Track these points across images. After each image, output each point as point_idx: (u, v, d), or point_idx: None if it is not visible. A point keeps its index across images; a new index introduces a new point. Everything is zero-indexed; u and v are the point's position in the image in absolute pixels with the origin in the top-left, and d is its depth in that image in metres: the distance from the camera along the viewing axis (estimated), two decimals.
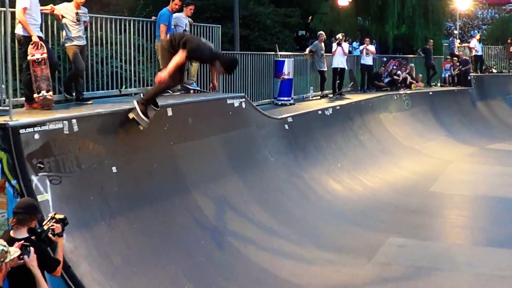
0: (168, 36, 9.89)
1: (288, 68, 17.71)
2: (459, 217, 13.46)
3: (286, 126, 14.11)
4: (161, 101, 9.48)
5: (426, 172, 17.48)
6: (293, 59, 18.50)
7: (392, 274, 9.66)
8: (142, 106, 8.74)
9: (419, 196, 14.78)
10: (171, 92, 11.73)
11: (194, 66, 13.09)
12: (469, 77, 29.79)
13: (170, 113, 9.94)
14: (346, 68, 21.05)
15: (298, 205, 11.97)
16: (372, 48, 23.83)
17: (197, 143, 10.57)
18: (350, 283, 9.10)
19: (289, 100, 17.60)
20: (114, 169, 8.13)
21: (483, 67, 33.11)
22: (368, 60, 23.42)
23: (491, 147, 23.13)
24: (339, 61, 20.48)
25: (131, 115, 8.74)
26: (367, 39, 24.24)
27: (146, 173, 8.95)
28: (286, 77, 17.59)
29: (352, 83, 22.90)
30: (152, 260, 7.83)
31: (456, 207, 14.31)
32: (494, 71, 33.90)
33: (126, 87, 12.06)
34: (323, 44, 20.07)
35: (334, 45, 20.66)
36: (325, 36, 20.68)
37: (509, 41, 33.85)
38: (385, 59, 27.10)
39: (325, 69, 20.04)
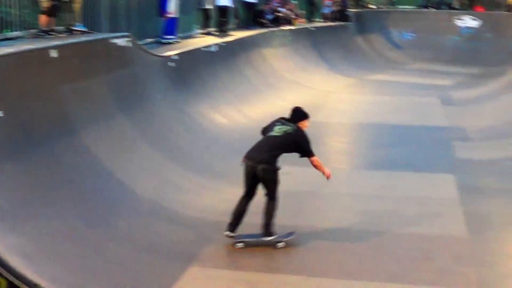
0: None
1: (172, 7, 17.46)
2: (339, 144, 14.03)
3: (173, 64, 14.01)
4: (44, 43, 9.21)
5: (308, 103, 17.76)
6: None
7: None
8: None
9: None
10: (56, 33, 11.37)
11: (77, 6, 12.64)
12: (348, 13, 30.50)
13: (54, 54, 9.63)
14: (231, 6, 21.00)
15: (184, 139, 12.03)
16: None
17: (83, 84, 10.32)
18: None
19: (175, 38, 17.42)
20: (0, 113, 7.86)
21: (362, 3, 33.96)
22: None
23: (369, 78, 24.05)
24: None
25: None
26: None
27: (33, 116, 8.70)
28: (171, 15, 17.34)
29: (236, 20, 22.91)
30: (41, 201, 7.70)
31: (337, 134, 14.90)
32: (373, 7, 34.86)
33: (10, 31, 11.54)
34: None
35: None
36: None
37: None
38: None
39: (210, 7, 19.92)
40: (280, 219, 8.95)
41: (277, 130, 7.93)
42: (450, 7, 34.63)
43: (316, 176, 11.11)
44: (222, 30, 20.27)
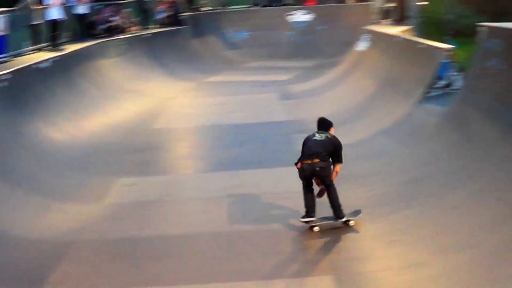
0: None
1: (0, 24, 16.74)
2: (182, 149, 14.07)
3: (5, 84, 13.31)
4: None
5: (149, 111, 17.87)
6: (6, 14, 17.39)
7: (122, 211, 9.82)
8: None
9: (144, 135, 15.12)
10: None
11: None
12: (182, 17, 30.62)
13: None
14: (61, 18, 20.38)
15: (22, 160, 11.49)
16: None
17: None
18: (84, 228, 9.09)
19: (5, 57, 16.63)
20: None
21: (195, 6, 34.23)
22: (82, 9, 22.94)
23: (209, 80, 24.33)
24: (55, 12, 19.76)
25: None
26: None
27: None
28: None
29: (68, 33, 22.29)
30: None
31: (179, 139, 14.89)
32: (206, 8, 35.27)
33: None
34: None
35: None
36: None
37: None
38: (100, 6, 26.68)
39: (40, 21, 19.25)
40: (128, 231, 8.88)
41: (319, 137, 9.13)
42: (282, 3, 35.73)
43: (163, 184, 11.17)
44: (54, 44, 19.62)
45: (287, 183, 10.73)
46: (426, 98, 13.38)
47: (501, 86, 9.92)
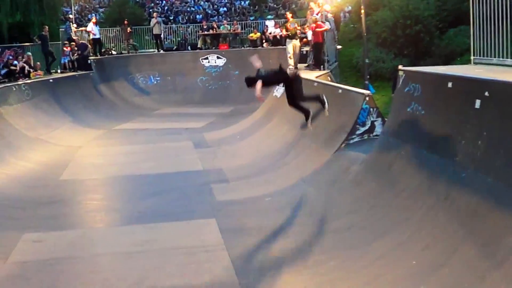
0: None
1: None
2: (92, 202, 13.74)
3: None
4: None
5: (55, 161, 17.46)
6: None
7: (29, 270, 9.48)
8: None
9: (50, 187, 14.71)
10: None
11: None
12: (89, 61, 30.39)
13: None
14: None
15: None
16: None
17: None
18: None
19: None
20: None
21: (102, 50, 34.07)
22: None
23: (118, 127, 24.10)
24: None
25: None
26: None
27: None
28: None
29: None
30: None
31: (88, 191, 14.57)
32: (114, 52, 35.12)
33: None
34: None
35: None
36: None
37: (126, 22, 35.26)
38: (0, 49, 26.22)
39: None
40: None
41: None
42: (195, 47, 36.05)
43: (72, 240, 10.88)
44: None
45: (205, 236, 10.72)
46: (347, 145, 13.67)
47: (421, 131, 10.31)
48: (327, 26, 24.27)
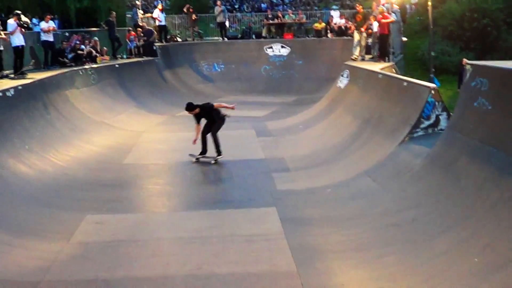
0: None
1: None
2: (155, 186, 13.95)
3: None
4: None
5: (118, 145, 17.81)
6: None
7: (91, 251, 9.70)
8: None
9: (113, 170, 15.03)
10: None
11: None
12: (154, 47, 30.77)
13: None
14: (23, 45, 20.47)
15: None
16: (52, 25, 23.47)
17: None
18: (50, 267, 8.97)
19: None
20: None
21: (168, 36, 34.44)
22: (49, 37, 22.97)
23: (181, 114, 24.19)
24: (17, 39, 19.88)
25: None
26: (48, 15, 23.70)
27: None
28: None
29: (33, 61, 22.31)
30: None
31: (151, 176, 14.78)
32: (179, 39, 35.46)
33: None
34: None
35: (13, 22, 19.92)
36: None
37: (191, 10, 35.50)
38: (67, 34, 26.76)
39: (1, 48, 19.33)
40: (98, 272, 8.78)
41: None
42: (259, 36, 36.13)
43: (134, 223, 11.09)
44: (19, 72, 19.61)
45: (265, 225, 10.77)
46: (411, 138, 13.52)
47: (488, 127, 10.10)
48: (393, 17, 23.98)
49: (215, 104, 16.09)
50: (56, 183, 13.33)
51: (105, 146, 17.38)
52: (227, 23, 36.62)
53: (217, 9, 35.51)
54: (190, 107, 15.71)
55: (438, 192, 10.42)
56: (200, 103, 15.84)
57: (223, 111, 15.95)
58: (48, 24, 23.07)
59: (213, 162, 15.43)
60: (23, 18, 20.49)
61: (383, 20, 23.12)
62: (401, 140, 13.63)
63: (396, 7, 26.64)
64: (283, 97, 29.10)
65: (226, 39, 35.39)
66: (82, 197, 12.63)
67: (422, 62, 32.32)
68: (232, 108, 16.15)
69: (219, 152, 15.63)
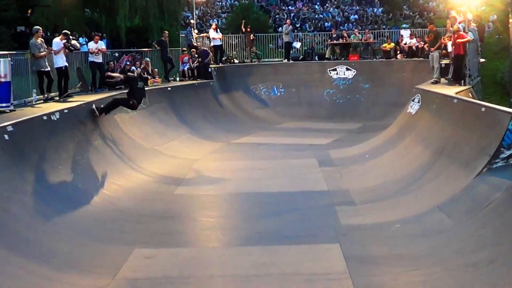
0: None
1: (4, 70, 17.21)
2: (208, 219, 14.04)
3: (6, 137, 13.60)
4: None
5: (169, 174, 18.00)
6: (9, 59, 17.92)
7: None
8: None
9: (164, 201, 15.21)
10: None
11: None
12: (209, 69, 31.08)
13: None
14: (67, 65, 20.98)
15: (27, 225, 11.62)
16: (102, 45, 24.03)
17: None
18: None
19: (8, 106, 17.09)
20: None
21: (224, 58, 34.77)
22: (97, 58, 23.53)
23: (238, 141, 24.50)
24: (61, 59, 20.37)
25: None
26: (97, 35, 24.29)
27: None
28: (2, 80, 17.07)
29: (80, 82, 22.83)
30: None
31: (204, 208, 14.91)
32: (236, 61, 35.77)
33: None
34: (41, 41, 19.64)
35: (59, 41, 20.46)
36: (42, 32, 20.31)
37: (248, 29, 35.79)
38: (117, 54, 27.30)
39: (48, 68, 19.82)
40: None
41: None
42: (322, 57, 36.14)
43: (185, 259, 11.15)
44: (64, 94, 20.11)
45: (328, 263, 10.70)
46: (489, 169, 13.26)
47: None
48: (469, 36, 23.70)
49: None
50: (102, 214, 13.53)
51: (156, 175, 17.60)
52: (297, 45, 36.74)
53: (287, 28, 35.67)
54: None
55: None
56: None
57: None
58: (97, 45, 23.69)
59: None
60: (73, 41, 21.05)
61: (459, 40, 22.86)
62: (478, 172, 13.38)
63: (473, 25, 26.32)
64: (347, 123, 29.03)
65: (291, 60, 35.54)
66: (130, 230, 12.80)
67: (502, 86, 31.83)
68: None
69: None
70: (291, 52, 36.79)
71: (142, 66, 26.43)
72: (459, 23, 24.86)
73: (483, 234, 10.92)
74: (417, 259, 10.67)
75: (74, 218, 12.85)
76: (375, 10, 51.11)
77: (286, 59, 35.88)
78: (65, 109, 17.20)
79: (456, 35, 23.12)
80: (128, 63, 26.13)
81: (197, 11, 45.30)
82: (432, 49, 24.69)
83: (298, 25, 47.98)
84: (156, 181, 17.07)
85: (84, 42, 27.07)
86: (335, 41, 36.84)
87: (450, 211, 12.69)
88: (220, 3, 56.97)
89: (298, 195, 15.67)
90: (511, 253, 9.65)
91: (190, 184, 17.03)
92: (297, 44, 37.20)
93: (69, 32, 21.24)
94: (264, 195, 15.79)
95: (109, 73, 20.48)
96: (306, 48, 38.04)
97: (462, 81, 23.15)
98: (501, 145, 13.27)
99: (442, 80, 24.72)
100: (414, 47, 33.25)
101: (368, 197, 15.16)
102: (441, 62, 25.31)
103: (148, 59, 27.79)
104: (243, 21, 36.76)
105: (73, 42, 21.19)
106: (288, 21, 37.75)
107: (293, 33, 36.91)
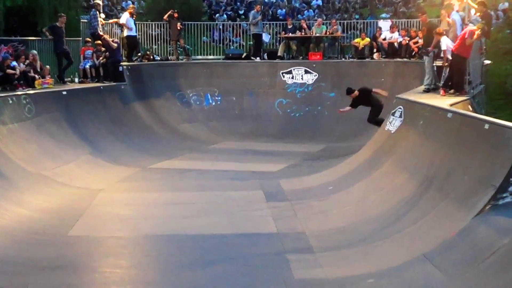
0: None
1: None
2: (115, 270, 13.89)
3: None
4: None
5: (63, 208, 17.82)
6: None
7: None
8: None
9: (55, 245, 14.99)
10: None
11: None
12: (120, 68, 30.91)
13: None
14: None
15: None
16: None
17: None
18: None
19: None
20: None
21: (140, 53, 34.64)
22: None
23: (157, 166, 24.46)
24: None
25: None
26: None
27: None
28: None
29: None
30: None
31: (109, 255, 14.76)
32: (157, 58, 35.71)
33: None
34: None
35: None
36: None
37: (175, 15, 35.70)
38: None
39: None
40: None
41: None
42: (273, 55, 36.23)
43: None
44: None
45: None
46: (494, 207, 13.40)
47: None
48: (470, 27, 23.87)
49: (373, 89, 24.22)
50: None
51: (43, 210, 17.40)
52: (266, 38, 36.86)
53: (255, 16, 35.76)
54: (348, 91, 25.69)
55: None
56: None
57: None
58: None
59: None
60: None
61: (469, 40, 22.53)
62: (480, 210, 13.52)
63: (476, 15, 26.13)
64: (305, 144, 29.26)
65: (258, 59, 35.58)
66: (7, 283, 12.57)
67: (509, 94, 32.31)
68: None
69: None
70: (230, 47, 36.92)
71: (28, 61, 26.12)
72: (457, 11, 25.10)
73: None
74: None
75: None
76: None
77: (257, 58, 35.82)
78: None
79: (464, 33, 22.54)
80: (8, 56, 25.71)
81: None
82: (429, 48, 24.84)
83: (241, 12, 48.14)
84: (44, 218, 16.83)
85: None
86: (290, 34, 37.07)
87: (441, 261, 12.83)
88: None
89: (237, 238, 15.67)
90: None
91: (90, 223, 16.87)
92: (267, 37, 37.39)
93: None
94: (191, 238, 15.75)
95: None
96: (251, 43, 38.08)
97: (460, 89, 22.89)
98: (509, 174, 13.37)
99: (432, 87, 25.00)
100: (396, 44, 33.62)
101: (330, 242, 15.25)
102: (434, 65, 25.48)
103: (35, 51, 27.45)
104: (175, 12, 36.50)
105: None
106: (257, 6, 37.59)
107: (262, 23, 36.97)
